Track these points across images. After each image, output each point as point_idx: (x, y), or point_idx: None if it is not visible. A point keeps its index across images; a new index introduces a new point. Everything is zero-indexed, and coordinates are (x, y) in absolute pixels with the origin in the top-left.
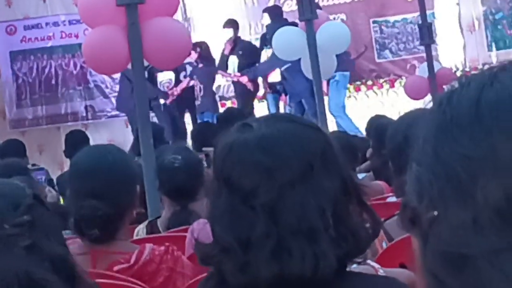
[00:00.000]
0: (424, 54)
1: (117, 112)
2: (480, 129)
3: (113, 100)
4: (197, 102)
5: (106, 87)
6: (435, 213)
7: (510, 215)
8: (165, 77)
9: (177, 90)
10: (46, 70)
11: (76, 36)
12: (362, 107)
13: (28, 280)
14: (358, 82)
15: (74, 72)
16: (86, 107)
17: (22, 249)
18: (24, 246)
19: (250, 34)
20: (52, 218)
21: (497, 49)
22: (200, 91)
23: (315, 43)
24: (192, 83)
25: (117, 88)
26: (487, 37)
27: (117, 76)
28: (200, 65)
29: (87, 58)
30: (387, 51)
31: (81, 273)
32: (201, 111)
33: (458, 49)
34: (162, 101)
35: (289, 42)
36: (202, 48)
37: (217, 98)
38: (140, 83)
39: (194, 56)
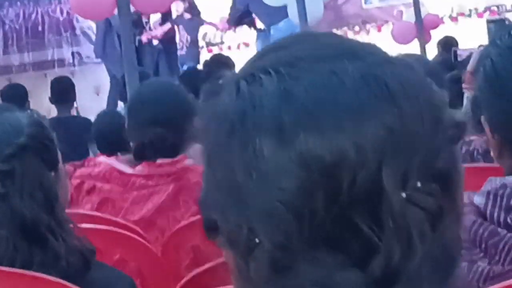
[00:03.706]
0: (411, 0)
1: None
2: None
3: None
4: (181, 52)
5: (93, 33)
6: (257, 240)
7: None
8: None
9: (158, 32)
10: (33, 17)
11: None
12: None
13: None
14: (345, 28)
15: (61, 18)
16: (72, 54)
17: None
18: None
19: None
20: (38, 173)
21: None
22: (186, 41)
23: None
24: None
25: None
26: None
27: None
28: (188, 16)
29: (73, 4)
30: None
31: (52, 241)
32: (183, 62)
33: None
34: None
35: None
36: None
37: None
38: (126, 29)
39: (181, 6)
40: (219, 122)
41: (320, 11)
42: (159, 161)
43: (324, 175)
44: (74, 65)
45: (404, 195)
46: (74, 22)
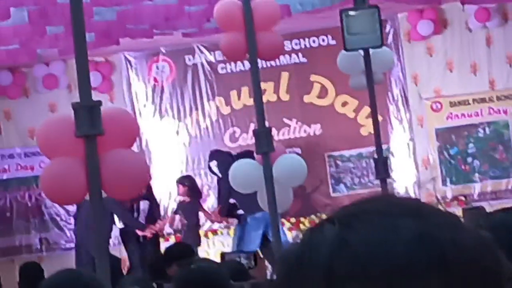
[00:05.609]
0: (379, 189)
1: (72, 245)
2: None
3: (67, 232)
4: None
5: (61, 219)
6: None
7: None
8: (144, 206)
9: (161, 226)
10: (1, 203)
11: (32, 169)
12: None
13: None
14: (313, 217)
15: (29, 204)
16: (40, 240)
17: None
18: None
19: (204, 167)
20: None
21: (452, 184)
22: (183, 226)
23: (271, 176)
24: (177, 218)
25: (71, 220)
26: (442, 172)
27: (72, 208)
28: (187, 200)
29: (45, 188)
30: (342, 186)
31: None
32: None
33: (413, 183)
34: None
35: (246, 175)
36: (190, 182)
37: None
38: (97, 214)
39: (182, 190)
40: (281, 265)
41: (290, 199)
42: None
43: None
44: (41, 251)
45: None
46: (43, 208)
